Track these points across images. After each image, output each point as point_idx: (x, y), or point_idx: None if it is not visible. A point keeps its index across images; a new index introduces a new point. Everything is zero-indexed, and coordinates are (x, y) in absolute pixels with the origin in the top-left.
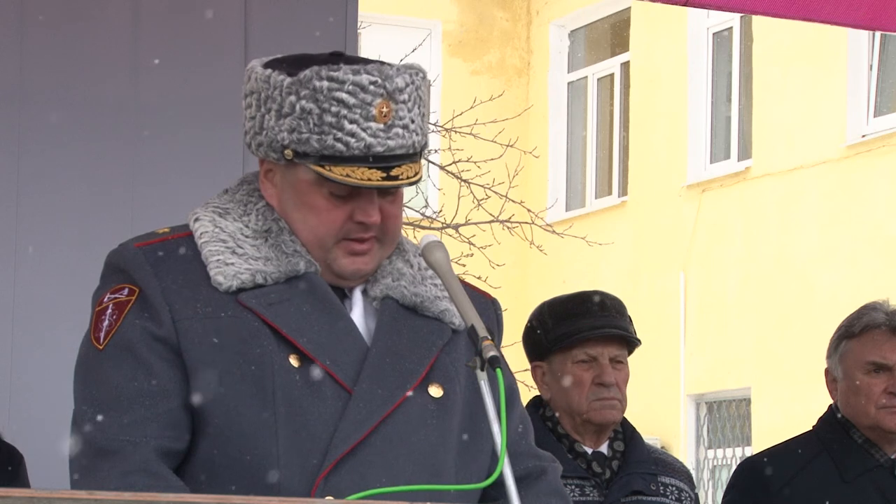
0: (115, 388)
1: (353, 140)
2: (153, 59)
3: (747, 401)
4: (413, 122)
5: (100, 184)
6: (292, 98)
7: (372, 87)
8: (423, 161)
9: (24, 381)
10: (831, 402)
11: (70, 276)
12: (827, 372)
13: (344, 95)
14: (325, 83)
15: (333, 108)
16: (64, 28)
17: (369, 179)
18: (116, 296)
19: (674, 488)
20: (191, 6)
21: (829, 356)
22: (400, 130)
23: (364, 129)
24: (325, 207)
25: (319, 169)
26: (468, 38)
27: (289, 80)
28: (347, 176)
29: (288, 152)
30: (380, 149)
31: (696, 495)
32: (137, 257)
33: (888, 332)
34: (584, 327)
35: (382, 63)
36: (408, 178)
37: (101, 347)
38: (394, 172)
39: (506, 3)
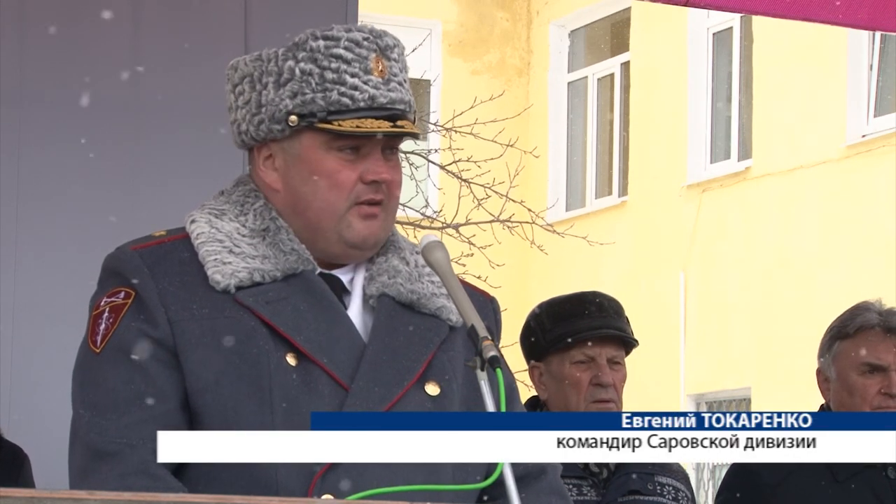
0: (112, 390)
1: (356, 93)
2: (153, 60)
3: (747, 401)
4: (405, 81)
5: (100, 184)
6: (290, 63)
7: (366, 43)
8: (421, 157)
9: (24, 381)
10: (824, 402)
11: (70, 276)
12: (819, 372)
13: (341, 51)
14: (321, 42)
15: (333, 65)
16: (64, 28)
17: (379, 128)
18: (113, 299)
19: (671, 488)
20: (191, 6)
21: (821, 356)
22: (396, 85)
23: (365, 82)
24: (336, 168)
25: (328, 126)
26: (468, 38)
27: (283, 48)
28: (357, 127)
29: (292, 118)
30: (383, 100)
31: (693, 495)
32: (134, 260)
33: (882, 332)
34: (582, 328)
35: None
36: (411, 130)
37: (97, 351)
38: (399, 123)
39: (506, 3)
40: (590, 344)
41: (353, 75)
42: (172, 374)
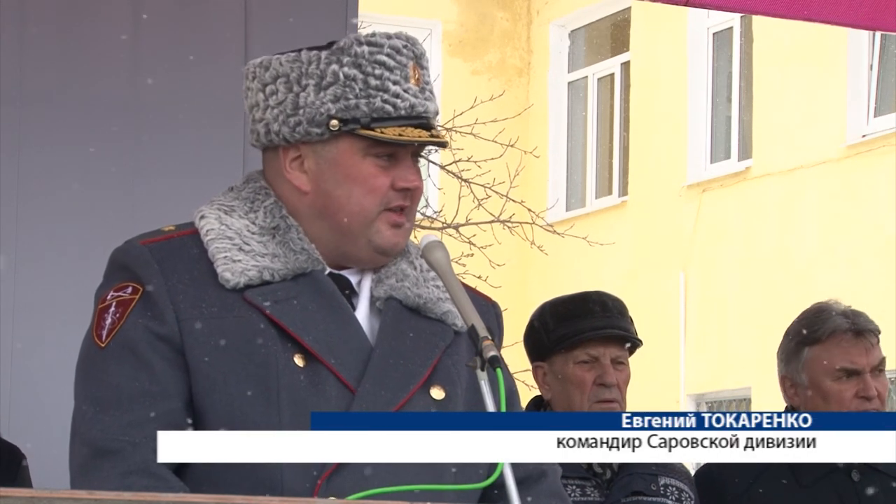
0: (116, 387)
1: (398, 101)
2: (153, 60)
3: (747, 401)
4: (433, 90)
5: (100, 184)
6: (334, 67)
7: (405, 51)
8: (421, 156)
9: (24, 381)
10: (785, 405)
11: (70, 275)
12: (784, 378)
13: (384, 58)
14: (366, 48)
15: (377, 72)
16: (64, 28)
17: (419, 137)
18: (120, 294)
19: (674, 489)
20: (191, 6)
21: (786, 362)
22: (429, 94)
23: (406, 91)
24: (372, 174)
25: (370, 132)
26: (468, 38)
27: (326, 51)
28: (400, 135)
29: (334, 123)
30: (420, 109)
31: (697, 496)
32: (143, 255)
33: (853, 336)
34: (586, 328)
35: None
36: (445, 139)
37: (102, 345)
38: (433, 133)
39: (506, 3)
40: (594, 344)
41: (395, 83)
42: (178, 373)
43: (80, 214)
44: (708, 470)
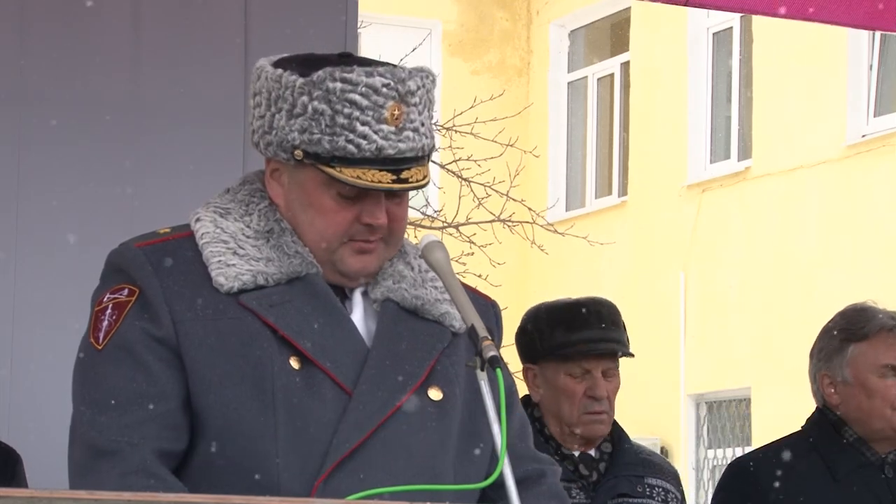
0: (113, 388)
1: (364, 142)
2: (152, 60)
3: (747, 401)
4: (423, 125)
5: (100, 184)
6: (304, 99)
7: (384, 90)
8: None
9: (24, 381)
10: (819, 405)
11: (70, 276)
12: (823, 376)
13: (357, 97)
14: (339, 84)
15: (346, 110)
16: (64, 28)
17: (380, 182)
18: (116, 296)
19: (660, 489)
20: (191, 6)
21: (826, 360)
22: (410, 133)
23: (376, 132)
24: (333, 208)
25: (330, 170)
26: (468, 38)
27: (301, 80)
28: (358, 178)
29: (298, 153)
30: (391, 151)
31: (683, 496)
32: (138, 257)
33: None
34: (581, 340)
35: (395, 66)
36: (417, 181)
37: (99, 348)
38: (403, 175)
39: (506, 3)
40: (587, 358)
41: (364, 123)
42: (175, 373)
43: (80, 214)
44: (740, 463)
